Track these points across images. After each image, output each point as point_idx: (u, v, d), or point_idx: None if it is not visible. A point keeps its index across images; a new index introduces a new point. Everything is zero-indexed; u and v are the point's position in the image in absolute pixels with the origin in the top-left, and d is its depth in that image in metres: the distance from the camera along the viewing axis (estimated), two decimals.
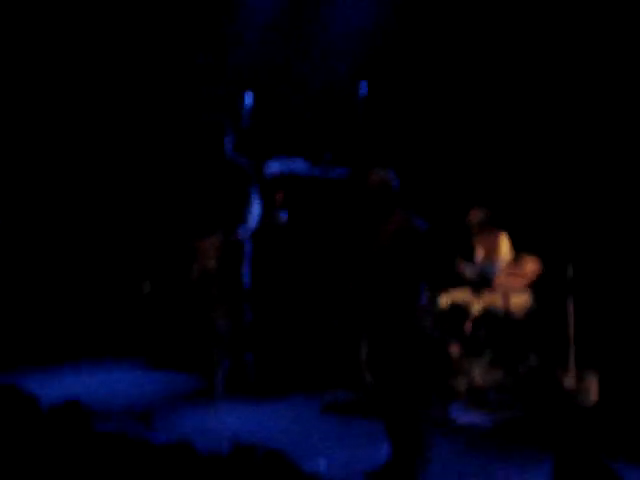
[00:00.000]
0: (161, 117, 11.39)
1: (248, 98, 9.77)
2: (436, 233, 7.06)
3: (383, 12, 10.29)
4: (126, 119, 11.45)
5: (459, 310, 9.01)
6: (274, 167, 9.72)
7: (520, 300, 9.08)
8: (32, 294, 10.92)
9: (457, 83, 9.99)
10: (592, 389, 8.72)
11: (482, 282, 9.20)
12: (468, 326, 8.97)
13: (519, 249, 9.22)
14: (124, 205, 11.47)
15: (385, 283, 6.91)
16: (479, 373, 8.85)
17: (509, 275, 9.12)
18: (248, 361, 9.37)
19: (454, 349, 8.97)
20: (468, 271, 9.22)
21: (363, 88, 9.76)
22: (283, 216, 9.42)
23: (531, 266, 9.07)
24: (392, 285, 6.91)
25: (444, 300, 9.06)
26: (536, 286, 9.15)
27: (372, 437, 7.82)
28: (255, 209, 9.09)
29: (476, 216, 9.20)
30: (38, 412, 5.49)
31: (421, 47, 10.14)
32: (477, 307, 9.02)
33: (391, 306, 6.95)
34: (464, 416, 8.61)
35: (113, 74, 11.36)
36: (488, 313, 8.97)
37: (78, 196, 11.39)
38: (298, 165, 9.79)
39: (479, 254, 9.32)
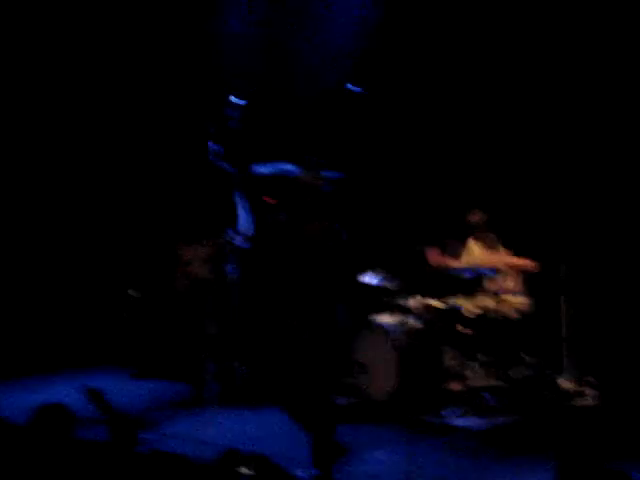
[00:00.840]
0: (146, 122, 11.23)
1: (235, 100, 9.61)
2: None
3: (376, 12, 10.17)
4: (111, 120, 11.28)
5: (452, 313, 8.89)
6: (262, 169, 9.57)
7: (514, 302, 8.99)
8: (17, 302, 10.72)
9: (451, 84, 9.88)
10: (589, 391, 8.61)
11: (476, 284, 9.10)
12: (461, 329, 8.84)
13: (513, 250, 9.13)
14: (107, 211, 11.29)
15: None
16: (473, 376, 8.72)
17: (503, 277, 9.03)
18: (236, 368, 9.23)
19: (448, 352, 8.84)
20: (463, 273, 9.12)
21: (356, 89, 9.61)
22: (282, 216, 9.15)
23: (524, 267, 9.00)
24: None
25: (437, 303, 8.93)
26: (530, 288, 9.06)
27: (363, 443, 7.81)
28: (243, 214, 8.91)
29: (474, 217, 9.12)
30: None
31: (415, 46, 10.01)
32: (471, 309, 8.90)
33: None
34: (459, 420, 8.48)
35: (101, 75, 11.19)
36: (482, 315, 8.85)
37: (60, 201, 11.21)
38: (287, 167, 9.64)
39: (474, 255, 9.21)
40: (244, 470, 5.26)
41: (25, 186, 11.10)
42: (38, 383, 9.75)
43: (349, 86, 9.52)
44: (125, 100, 11.21)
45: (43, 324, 10.78)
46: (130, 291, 10.67)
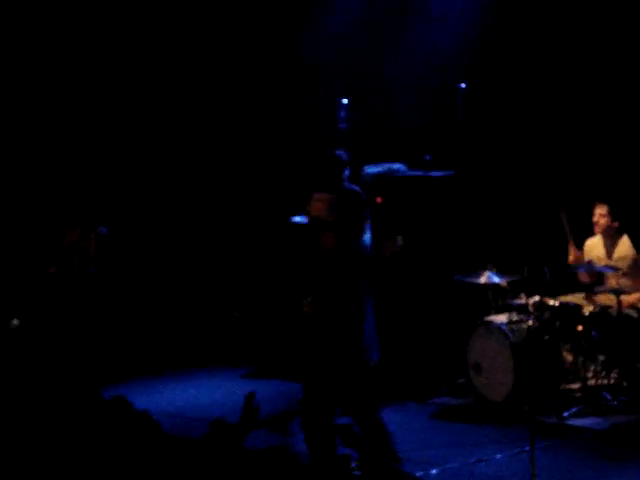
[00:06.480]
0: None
1: (344, 104, 9.59)
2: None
3: (481, 14, 10.03)
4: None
5: (570, 311, 8.70)
6: (372, 170, 9.54)
7: (635, 300, 8.77)
8: (136, 306, 10.74)
9: (558, 81, 9.69)
10: None
11: (597, 282, 8.90)
12: (580, 327, 8.64)
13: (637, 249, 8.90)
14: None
15: None
16: (593, 375, 8.54)
17: (624, 275, 8.82)
18: None
19: (566, 352, 8.66)
20: (583, 271, 8.94)
21: (462, 89, 9.52)
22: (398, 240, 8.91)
23: None
24: None
25: (554, 301, 8.75)
26: None
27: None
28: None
29: (602, 211, 8.85)
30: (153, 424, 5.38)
31: (519, 47, 9.85)
32: (589, 308, 8.69)
33: None
34: (579, 420, 8.30)
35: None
36: (601, 313, 8.64)
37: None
38: (397, 167, 9.58)
39: (596, 251, 9.00)
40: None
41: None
42: (155, 383, 9.87)
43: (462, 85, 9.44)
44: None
45: (159, 326, 10.78)
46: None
